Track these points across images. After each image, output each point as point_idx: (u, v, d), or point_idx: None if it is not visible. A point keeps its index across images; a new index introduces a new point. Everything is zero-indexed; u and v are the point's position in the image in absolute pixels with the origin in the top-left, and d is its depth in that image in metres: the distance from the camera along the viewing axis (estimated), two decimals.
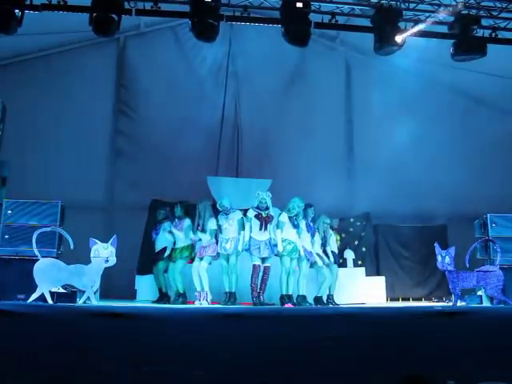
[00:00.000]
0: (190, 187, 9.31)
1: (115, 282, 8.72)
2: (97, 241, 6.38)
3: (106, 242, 6.38)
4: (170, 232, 7.84)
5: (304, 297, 7.48)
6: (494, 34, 7.81)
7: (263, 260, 7.14)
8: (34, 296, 6.01)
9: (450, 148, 10.46)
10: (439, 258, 6.91)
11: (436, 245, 7.02)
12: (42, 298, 6.04)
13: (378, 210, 10.36)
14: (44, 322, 4.20)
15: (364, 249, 10.29)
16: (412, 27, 7.63)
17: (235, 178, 10.33)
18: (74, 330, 4.01)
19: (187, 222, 7.62)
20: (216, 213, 7.50)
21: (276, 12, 7.51)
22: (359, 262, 9.89)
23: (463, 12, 7.63)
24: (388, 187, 9.96)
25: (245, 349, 3.82)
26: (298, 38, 7.47)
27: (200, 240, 7.42)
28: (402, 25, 7.60)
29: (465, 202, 9.88)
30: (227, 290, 7.26)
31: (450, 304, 7.28)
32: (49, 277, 6.08)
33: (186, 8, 7.24)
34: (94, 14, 6.96)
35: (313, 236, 7.58)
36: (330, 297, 7.89)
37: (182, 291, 7.51)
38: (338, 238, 8.32)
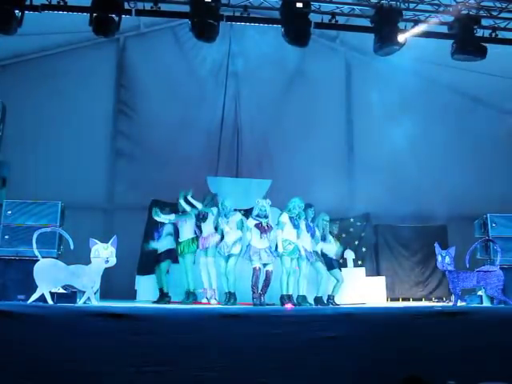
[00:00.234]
0: (190, 187, 9.30)
1: (115, 283, 8.70)
2: (97, 241, 6.37)
3: (106, 243, 6.37)
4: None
5: (304, 297, 7.48)
6: (493, 34, 7.80)
7: (264, 264, 7.11)
8: (34, 296, 6.01)
9: (451, 148, 10.45)
10: (439, 258, 6.90)
11: (436, 245, 7.02)
12: (42, 298, 6.02)
13: (377, 210, 10.35)
14: (44, 322, 4.20)
15: (364, 249, 10.28)
16: (412, 27, 7.63)
17: (235, 178, 10.32)
18: (74, 330, 4.01)
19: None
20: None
21: (276, 12, 7.51)
22: (359, 262, 9.88)
23: (463, 12, 7.63)
24: (388, 187, 9.95)
25: (245, 349, 3.82)
26: (298, 38, 7.47)
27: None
28: (401, 25, 7.60)
29: (465, 202, 9.87)
30: (227, 291, 7.27)
31: (450, 304, 7.28)
32: (49, 277, 6.07)
33: (186, 8, 7.24)
34: (94, 15, 6.96)
35: (313, 236, 7.58)
36: (330, 297, 7.88)
37: (192, 289, 7.51)
38: (338, 244, 8.21)
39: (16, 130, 8.90)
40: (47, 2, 7.10)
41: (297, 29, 7.39)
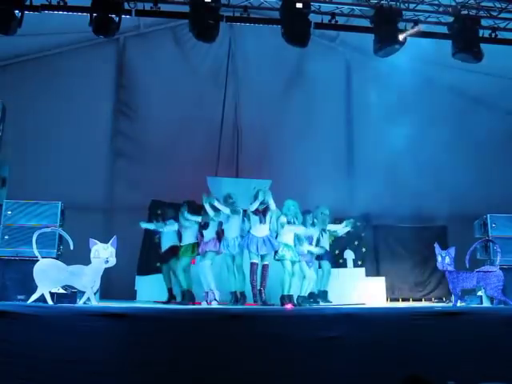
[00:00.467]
0: (190, 187, 9.30)
1: (115, 283, 8.72)
2: (97, 241, 6.36)
3: (106, 243, 6.37)
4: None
5: (305, 297, 7.48)
6: (493, 35, 7.80)
7: (262, 258, 7.18)
8: (34, 297, 6.00)
9: (450, 148, 10.43)
10: (439, 259, 6.90)
11: (436, 245, 7.01)
12: (42, 298, 6.02)
13: (377, 210, 10.35)
14: (44, 322, 4.20)
15: (364, 249, 10.27)
16: (412, 27, 7.63)
17: (235, 178, 10.34)
18: (74, 330, 4.01)
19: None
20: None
21: (276, 12, 7.51)
22: (359, 263, 9.88)
23: (463, 12, 7.63)
24: (388, 187, 9.96)
25: (245, 349, 3.82)
26: (298, 39, 7.46)
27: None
28: (401, 25, 7.59)
29: (465, 202, 9.86)
30: (235, 290, 7.29)
31: (450, 304, 7.28)
32: (49, 277, 6.07)
33: (186, 8, 7.24)
34: (94, 15, 6.95)
35: (310, 243, 7.57)
36: (320, 293, 7.90)
37: (186, 287, 7.49)
38: (332, 238, 8.31)
39: (16, 130, 8.90)
40: (47, 2, 7.09)
41: (297, 29, 7.38)
